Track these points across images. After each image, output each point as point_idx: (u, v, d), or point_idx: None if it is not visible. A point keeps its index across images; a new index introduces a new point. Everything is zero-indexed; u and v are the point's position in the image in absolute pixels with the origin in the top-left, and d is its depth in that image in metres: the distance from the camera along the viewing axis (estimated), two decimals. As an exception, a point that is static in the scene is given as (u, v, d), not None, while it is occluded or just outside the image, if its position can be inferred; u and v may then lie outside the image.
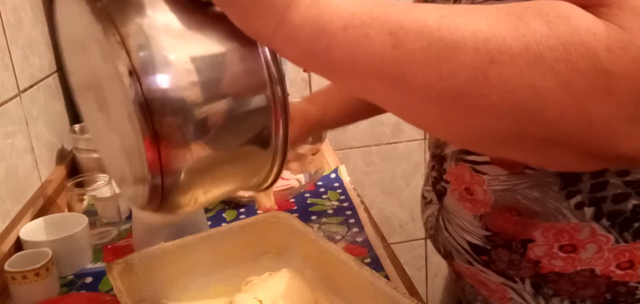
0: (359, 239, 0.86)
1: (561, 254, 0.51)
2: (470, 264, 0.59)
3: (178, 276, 0.70)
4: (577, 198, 0.49)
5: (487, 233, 0.55)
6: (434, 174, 0.63)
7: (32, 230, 0.83)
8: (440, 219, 0.62)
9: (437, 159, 0.62)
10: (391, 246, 0.84)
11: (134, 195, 0.42)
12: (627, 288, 0.50)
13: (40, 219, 0.86)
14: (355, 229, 0.89)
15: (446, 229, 0.61)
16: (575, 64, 0.30)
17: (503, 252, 0.55)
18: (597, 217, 0.49)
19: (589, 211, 0.49)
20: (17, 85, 0.97)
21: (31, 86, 1.04)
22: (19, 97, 0.97)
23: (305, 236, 0.71)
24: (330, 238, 0.85)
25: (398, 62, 0.34)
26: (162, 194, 0.38)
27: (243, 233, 0.74)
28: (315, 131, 0.78)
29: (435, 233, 0.64)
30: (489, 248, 0.56)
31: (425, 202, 0.66)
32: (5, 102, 0.91)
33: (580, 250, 0.50)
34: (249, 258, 0.73)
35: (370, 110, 0.81)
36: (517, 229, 0.53)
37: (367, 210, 0.95)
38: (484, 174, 0.54)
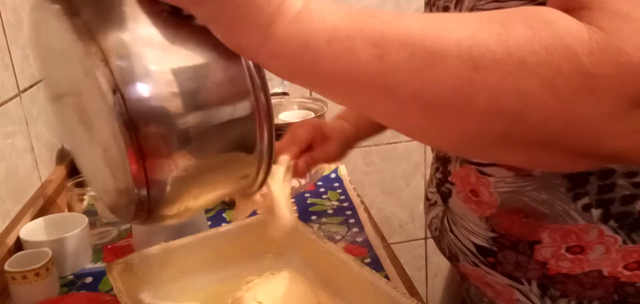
0: (359, 239, 0.86)
1: (569, 255, 0.51)
2: (476, 266, 0.58)
3: (178, 276, 0.70)
4: (585, 200, 0.49)
5: (493, 235, 0.55)
6: (438, 175, 0.63)
7: (32, 230, 0.83)
8: (445, 221, 0.62)
9: (442, 161, 0.61)
10: (391, 246, 0.84)
11: (118, 207, 0.41)
12: (635, 289, 0.50)
13: (40, 219, 0.85)
14: (355, 229, 0.89)
15: (451, 231, 0.61)
16: (558, 67, 0.31)
17: (510, 254, 0.55)
18: (605, 219, 0.49)
19: (596, 212, 0.49)
20: (17, 85, 0.97)
21: (31, 86, 1.03)
22: (19, 97, 0.97)
23: (305, 236, 0.71)
24: (330, 238, 0.85)
25: (383, 73, 0.34)
26: (148, 208, 0.38)
27: (243, 233, 0.74)
28: (352, 146, 0.80)
29: (440, 234, 0.64)
30: (496, 249, 0.56)
31: (430, 204, 0.66)
32: (5, 102, 0.91)
33: (587, 251, 0.50)
34: (249, 258, 0.73)
35: None
36: (524, 231, 0.53)
37: (367, 210, 0.95)
38: (490, 175, 0.54)
